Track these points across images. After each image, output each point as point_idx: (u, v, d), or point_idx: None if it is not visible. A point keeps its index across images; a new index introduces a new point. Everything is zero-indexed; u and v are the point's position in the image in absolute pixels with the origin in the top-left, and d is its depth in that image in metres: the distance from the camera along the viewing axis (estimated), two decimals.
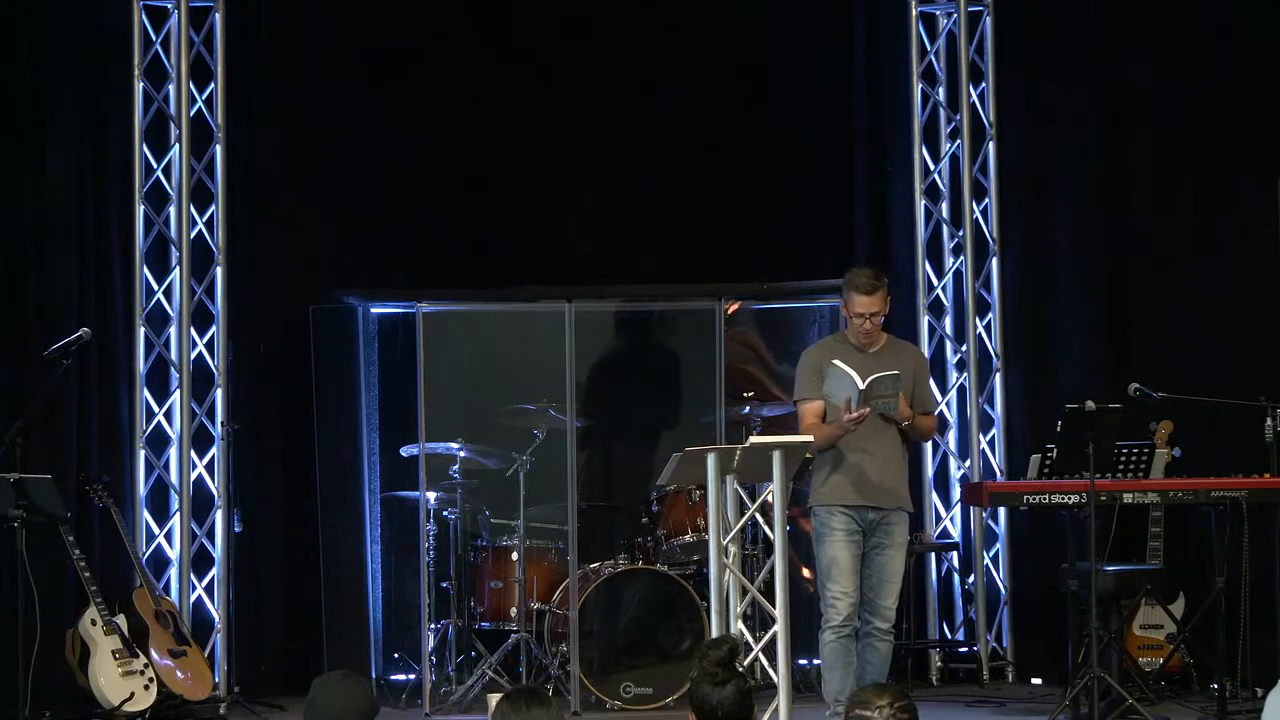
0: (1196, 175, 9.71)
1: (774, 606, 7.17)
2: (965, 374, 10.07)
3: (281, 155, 9.99)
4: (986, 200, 10.14)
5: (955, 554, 10.07)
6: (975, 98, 10.12)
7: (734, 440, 8.86)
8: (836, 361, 7.61)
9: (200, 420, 9.61)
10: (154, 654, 8.64)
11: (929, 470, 10.05)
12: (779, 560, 7.12)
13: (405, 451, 9.44)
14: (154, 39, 9.61)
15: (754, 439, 7.63)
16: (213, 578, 9.55)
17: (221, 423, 9.51)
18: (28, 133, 9.39)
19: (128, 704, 8.45)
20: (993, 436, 10.06)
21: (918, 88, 10.13)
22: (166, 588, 9.37)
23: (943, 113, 10.23)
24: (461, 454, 9.36)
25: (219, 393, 9.62)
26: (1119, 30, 9.94)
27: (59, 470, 8.77)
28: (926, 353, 9.77)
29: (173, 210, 9.64)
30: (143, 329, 9.50)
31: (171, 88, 9.66)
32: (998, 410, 10.04)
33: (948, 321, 10.18)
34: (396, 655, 9.76)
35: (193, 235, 9.63)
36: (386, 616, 9.85)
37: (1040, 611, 9.80)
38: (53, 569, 8.68)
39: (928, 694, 9.53)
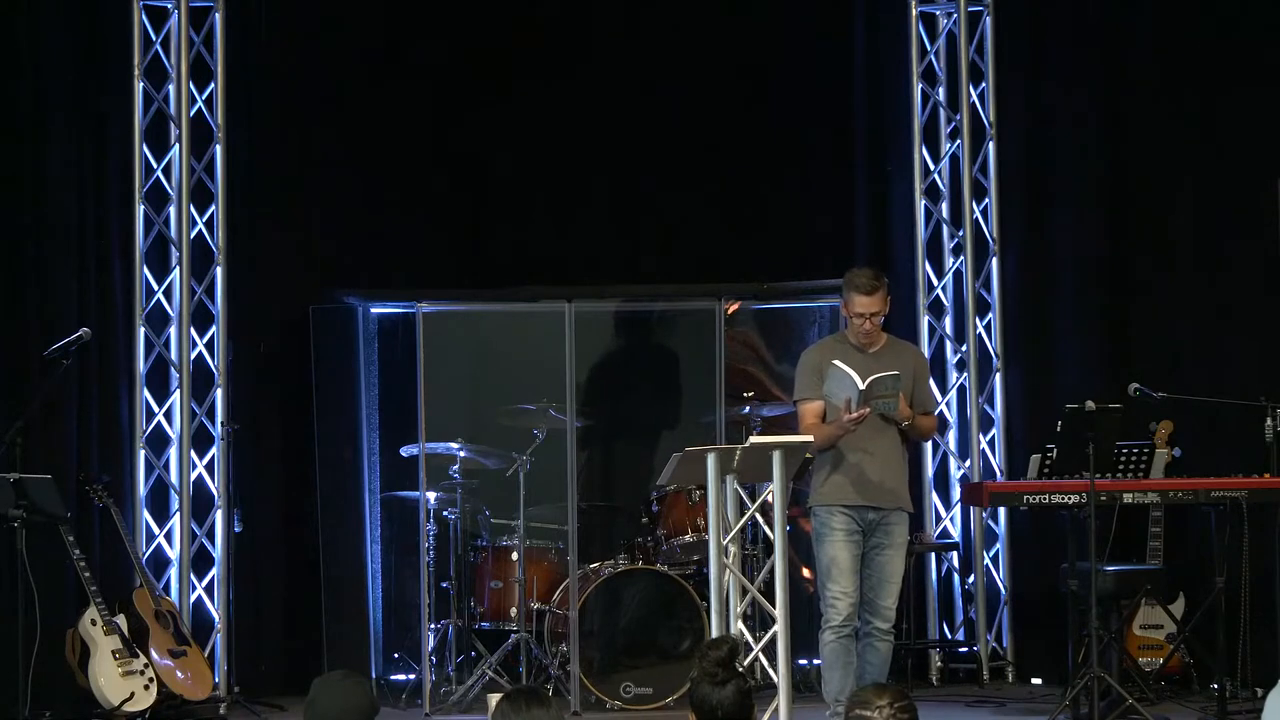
0: (1196, 175, 9.71)
1: (774, 606, 7.17)
2: (965, 374, 10.07)
3: (281, 155, 9.98)
4: (986, 200, 10.14)
5: (955, 554, 10.07)
6: (975, 98, 10.12)
7: (734, 440, 8.86)
8: (836, 362, 7.61)
9: (200, 420, 9.61)
10: (154, 654, 8.64)
11: (929, 470, 10.05)
12: (779, 560, 7.12)
13: (405, 451, 9.44)
14: (154, 39, 9.61)
15: (754, 439, 7.63)
16: (213, 578, 9.55)
17: (221, 423, 9.51)
18: (28, 133, 9.39)
19: (128, 704, 8.45)
20: (993, 436, 10.06)
21: (918, 88, 10.13)
22: (166, 588, 9.37)
23: (943, 113, 10.23)
24: (461, 454, 9.36)
25: (219, 393, 9.62)
26: (1119, 30, 9.94)
27: (59, 470, 8.77)
28: (926, 353, 9.77)
29: (173, 210, 9.64)
30: (143, 329, 9.50)
31: (171, 88, 9.66)
32: (998, 410, 10.04)
33: (948, 321, 10.18)
34: (396, 655, 9.76)
35: (193, 235, 9.63)
36: (386, 616, 9.84)
37: (1040, 611, 9.80)
38: (53, 569, 8.68)
39: (928, 694, 9.53)
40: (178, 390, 9.55)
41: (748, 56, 10.32)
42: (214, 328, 9.68)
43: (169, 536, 9.51)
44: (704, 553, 8.90)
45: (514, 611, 9.32)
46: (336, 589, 9.72)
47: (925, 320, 10.13)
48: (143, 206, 9.52)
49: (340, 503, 9.78)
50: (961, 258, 10.10)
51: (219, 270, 9.69)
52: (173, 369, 9.56)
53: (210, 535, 9.56)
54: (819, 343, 8.33)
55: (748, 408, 9.43)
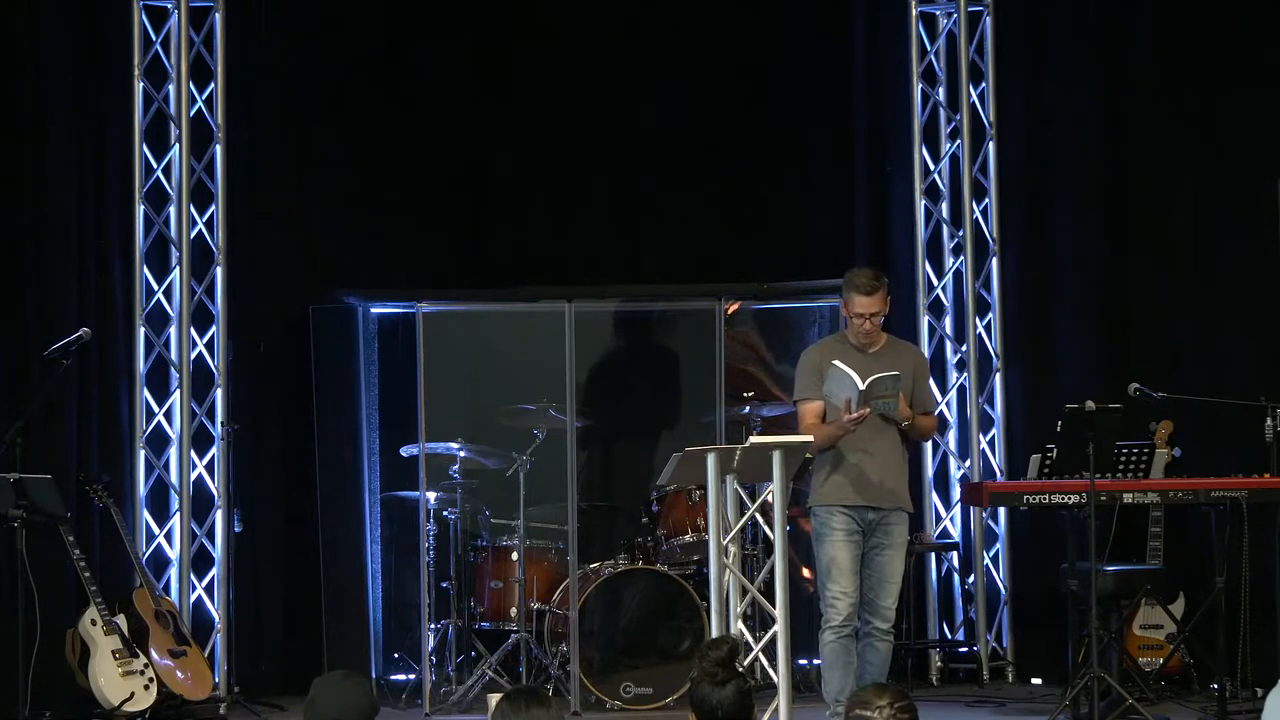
0: (1196, 175, 9.71)
1: (774, 606, 7.17)
2: (965, 374, 10.07)
3: (281, 155, 9.99)
4: (986, 200, 10.14)
5: (955, 554, 10.07)
6: (975, 98, 10.12)
7: (734, 440, 8.86)
8: (836, 362, 7.61)
9: (200, 420, 9.61)
10: (154, 654, 8.64)
11: (929, 470, 10.05)
12: (779, 560, 7.12)
13: (405, 451, 9.44)
14: (154, 39, 9.61)
15: (754, 439, 7.63)
16: (213, 578, 9.55)
17: (221, 423, 9.51)
18: (28, 133, 9.39)
19: (128, 704, 8.45)
20: (993, 436, 10.06)
21: (918, 88, 10.13)
22: (166, 588, 9.37)
23: (943, 113, 10.23)
24: (461, 454, 9.36)
25: (219, 393, 9.62)
26: (1119, 30, 9.94)
27: (59, 470, 8.77)
28: (926, 353, 9.77)
29: (173, 210, 9.64)
30: (143, 329, 9.51)
31: (171, 88, 9.66)
32: (998, 410, 10.04)
33: (948, 321, 10.18)
34: (396, 655, 9.76)
35: (193, 235, 9.64)
36: (386, 616, 9.85)
37: (1040, 611, 9.80)
38: (53, 569, 8.68)
39: (928, 694, 9.53)
40: (178, 390, 9.55)
41: (748, 56, 10.32)
42: (214, 328, 9.68)
43: (169, 536, 9.51)
44: (704, 553, 8.90)
45: (514, 611, 9.31)
46: (336, 589, 9.72)
47: (925, 320, 10.13)
48: (143, 206, 9.52)
49: (340, 503, 9.78)
50: (961, 258, 10.10)
51: (219, 270, 9.69)
52: (173, 369, 9.56)
53: (210, 535, 9.56)
54: (819, 343, 8.33)
55: (748, 408, 9.43)
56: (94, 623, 8.53)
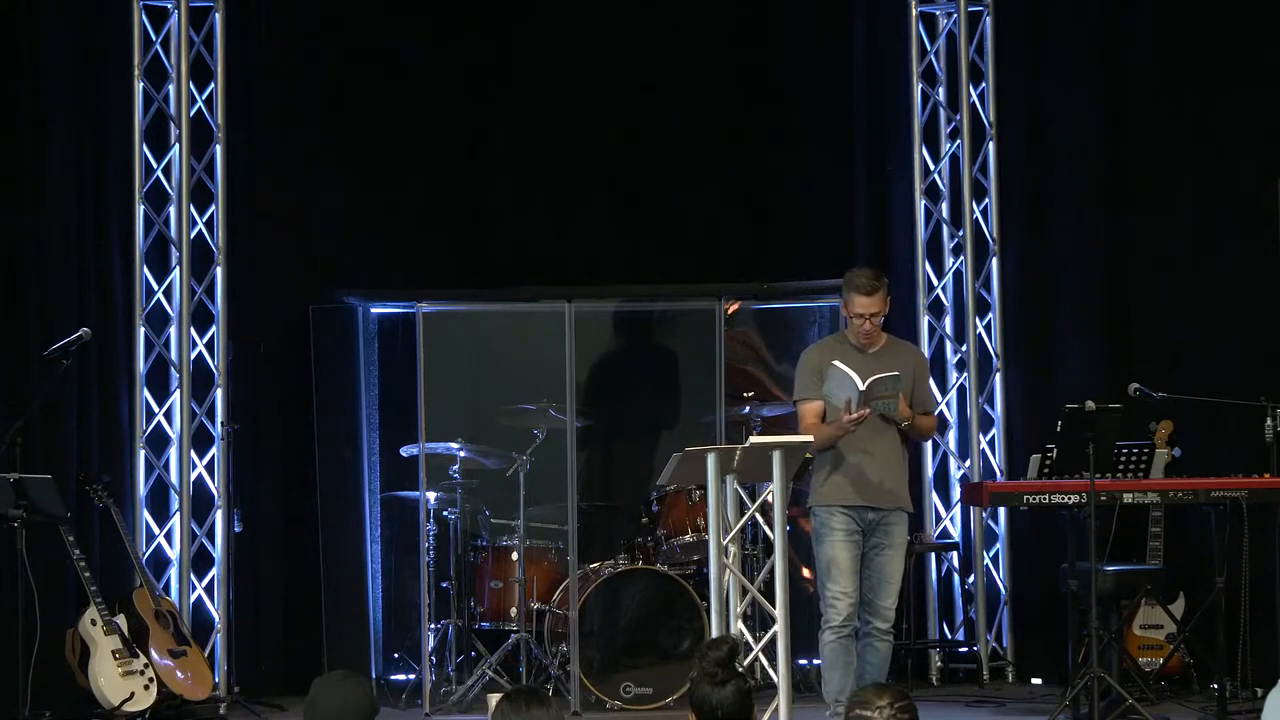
0: (1196, 175, 9.71)
1: (774, 606, 7.17)
2: (965, 374, 10.07)
3: (281, 155, 9.98)
4: (986, 200, 10.14)
5: (955, 554, 10.07)
6: (975, 98, 10.12)
7: (734, 440, 8.86)
8: (836, 362, 7.60)
9: (200, 420, 9.61)
10: (154, 654, 8.64)
11: (929, 470, 10.05)
12: (779, 560, 7.13)
13: (405, 451, 9.44)
14: (154, 39, 9.61)
15: (754, 439, 7.63)
16: (213, 578, 9.55)
17: (221, 423, 9.51)
18: (28, 133, 9.39)
19: (128, 704, 8.45)
20: (993, 436, 10.06)
21: (918, 88, 10.13)
22: (166, 588, 9.37)
23: (943, 113, 10.23)
24: (461, 454, 9.36)
25: (219, 393, 9.62)
26: (1119, 30, 9.94)
27: (59, 470, 8.77)
28: (926, 353, 9.77)
29: (173, 210, 9.64)
30: (143, 329, 9.51)
31: (171, 88, 9.66)
32: (998, 410, 10.04)
33: (948, 321, 10.18)
34: (396, 655, 9.76)
35: (193, 235, 9.64)
36: (386, 616, 9.85)
37: (1040, 611, 9.80)
38: (53, 569, 8.68)
39: (928, 694, 9.53)
40: (178, 390, 9.55)
41: (748, 56, 10.32)
42: (214, 328, 9.68)
43: (169, 536, 9.51)
44: (704, 553, 8.90)
45: (514, 611, 9.31)
46: (336, 589, 9.72)
47: (925, 320, 10.13)
48: (143, 206, 9.52)
49: (340, 503, 9.78)
50: (961, 258, 10.10)
51: (219, 270, 9.69)
52: (173, 369, 9.56)
53: (210, 535, 9.56)
54: (819, 343, 8.33)
55: (748, 408, 9.43)
56: (94, 623, 8.53)
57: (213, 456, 9.60)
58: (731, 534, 7.26)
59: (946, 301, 10.19)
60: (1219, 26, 9.64)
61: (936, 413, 8.78)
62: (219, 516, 9.54)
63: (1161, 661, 9.17)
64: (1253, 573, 8.89)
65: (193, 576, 9.51)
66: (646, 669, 9.08)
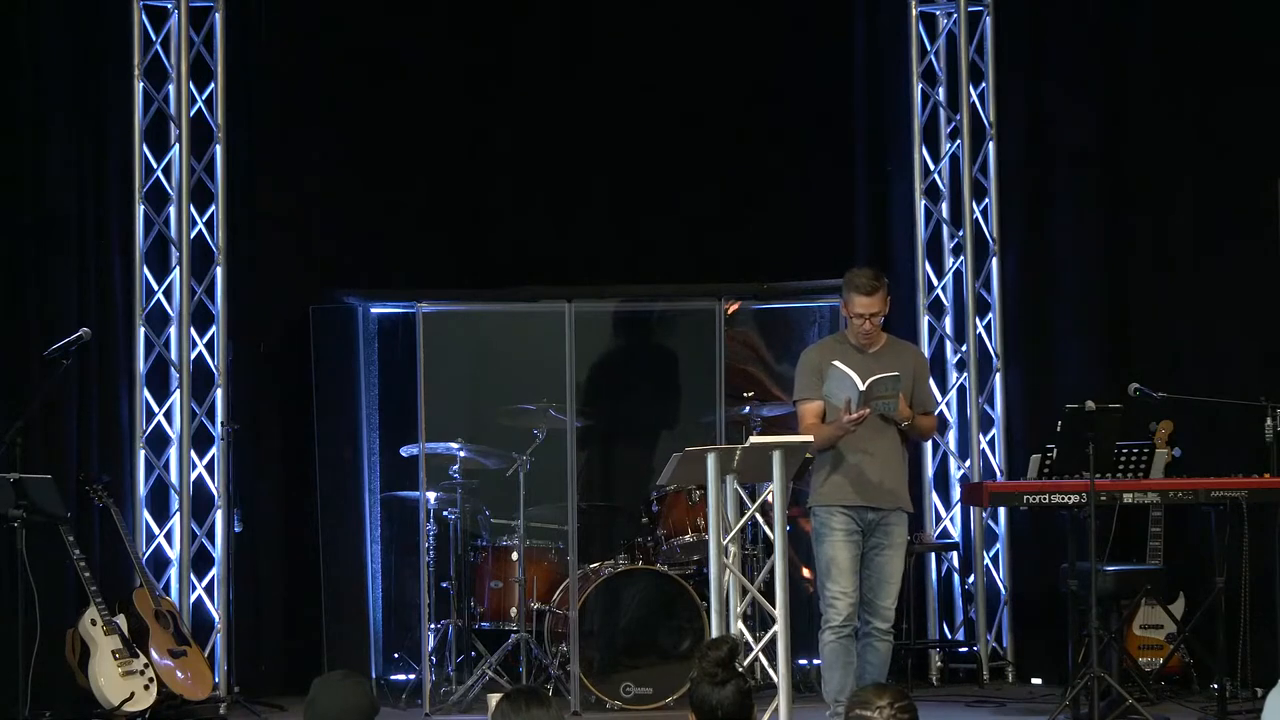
0: (1196, 175, 9.71)
1: (774, 606, 7.17)
2: (965, 374, 10.07)
3: (281, 155, 9.98)
4: (986, 200, 10.14)
5: (955, 554, 10.07)
6: (975, 98, 10.12)
7: (734, 440, 8.86)
8: (837, 363, 7.60)
9: (200, 420, 9.61)
10: (154, 654, 8.64)
11: (929, 470, 10.05)
12: (779, 560, 7.12)
13: (405, 451, 9.44)
14: (154, 39, 9.61)
15: (754, 439, 7.63)
16: (213, 578, 9.55)
17: (221, 423, 9.51)
18: (28, 133, 9.39)
19: (128, 704, 8.45)
20: (993, 436, 10.06)
21: (918, 88, 10.13)
22: (166, 588, 9.37)
23: (943, 113, 10.23)
24: (461, 454, 9.36)
25: (219, 393, 9.62)
26: (1119, 30, 9.94)
27: (59, 470, 8.78)
28: (926, 353, 9.77)
29: (173, 210, 9.64)
30: (143, 329, 9.51)
31: (171, 88, 9.66)
32: (998, 410, 10.04)
33: (948, 321, 10.18)
34: (396, 655, 9.76)
35: (193, 235, 9.64)
36: (386, 616, 9.85)
37: (1040, 611, 9.80)
38: (53, 569, 8.68)
39: (928, 694, 9.53)
40: (178, 390, 9.55)
41: (748, 56, 10.32)
42: (214, 328, 9.68)
43: (169, 536, 9.51)
44: (704, 553, 8.90)
45: (514, 611, 9.31)
46: (336, 589, 9.72)
47: (925, 320, 10.13)
48: (143, 206, 9.52)
49: (340, 503, 9.78)
50: (961, 258, 10.10)
51: (219, 270, 9.69)
52: (173, 369, 9.56)
53: (210, 535, 9.56)
54: (819, 343, 8.33)
55: (748, 408, 9.43)
56: (94, 623, 8.53)
57: (213, 456, 9.60)
58: (731, 534, 7.26)
59: (946, 301, 10.19)
60: (1219, 26, 9.64)
61: (936, 413, 8.78)
62: (219, 516, 9.54)
63: (1161, 661, 9.17)
64: (1253, 573, 8.89)
65: (193, 576, 9.51)
66: (646, 669, 9.08)
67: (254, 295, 9.84)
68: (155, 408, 9.53)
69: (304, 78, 10.00)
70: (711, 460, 7.15)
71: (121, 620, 8.63)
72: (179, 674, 8.69)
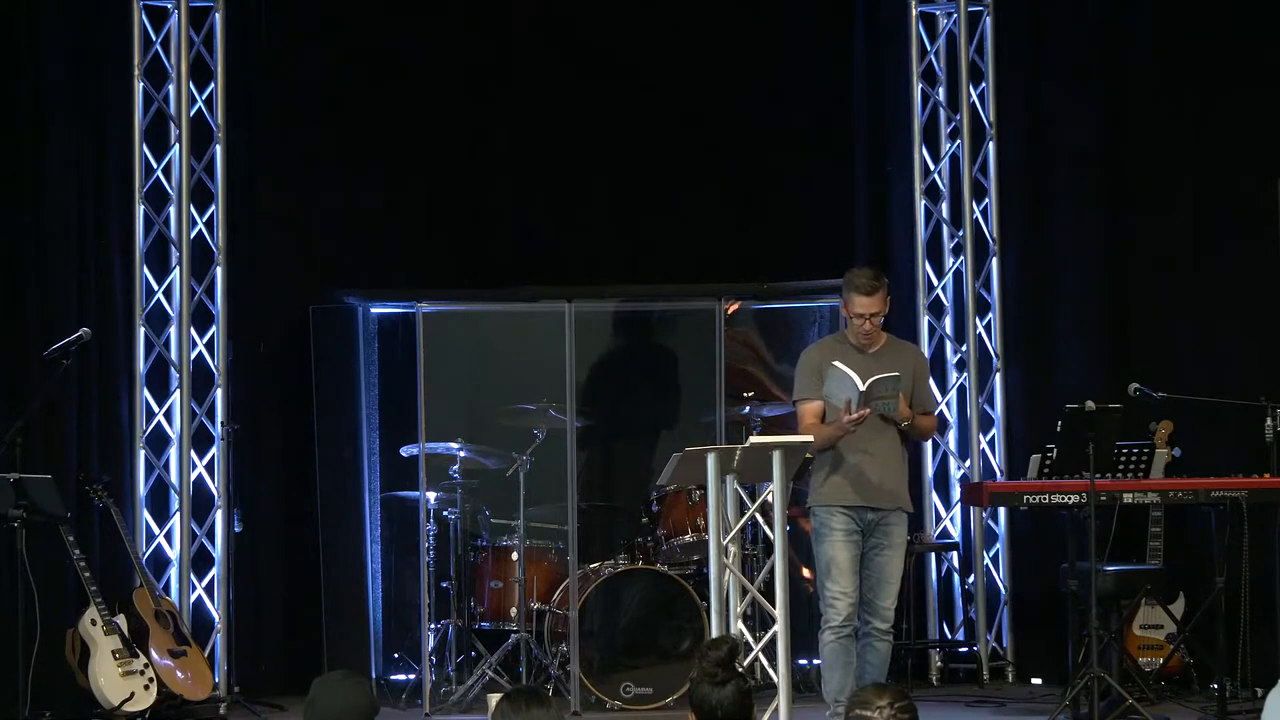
0: (1196, 175, 9.71)
1: (774, 606, 7.17)
2: (965, 374, 10.07)
3: (281, 155, 9.98)
4: (986, 200, 10.14)
5: (955, 554, 10.07)
6: (975, 98, 10.12)
7: (734, 440, 8.86)
8: (837, 363, 7.60)
9: (200, 420, 9.61)
10: (154, 654, 8.64)
11: (929, 470, 10.05)
12: (779, 560, 7.12)
13: (405, 451, 9.44)
14: (154, 39, 9.61)
15: (754, 439, 7.63)
16: (213, 578, 9.55)
17: (221, 423, 9.51)
18: (28, 133, 9.39)
19: (128, 704, 8.45)
20: (993, 436, 10.06)
21: (918, 88, 10.13)
22: (166, 588, 9.37)
23: (943, 113, 10.23)
24: (461, 454, 9.36)
25: (219, 393, 9.62)
26: (1119, 30, 9.94)
27: (59, 470, 8.78)
28: (926, 353, 9.77)
29: (173, 210, 9.64)
30: (143, 329, 9.51)
31: (171, 88, 9.66)
32: (998, 410, 10.04)
33: (948, 321, 10.18)
34: (396, 655, 9.76)
35: (193, 235, 9.64)
36: (386, 616, 9.84)
37: (1040, 611, 9.80)
38: (53, 569, 8.68)
39: (928, 694, 9.53)
40: (178, 390, 9.55)
41: (748, 57, 10.32)
42: (214, 328, 9.68)
43: (169, 536, 9.51)
44: (704, 553, 8.90)
45: (514, 611, 9.31)
46: (336, 589, 9.72)
47: (925, 320, 10.13)
48: (143, 206, 9.52)
49: (340, 503, 9.78)
50: (961, 258, 10.10)
51: (219, 270, 9.69)
52: (173, 369, 9.56)
53: (210, 535, 9.56)
54: (819, 343, 8.32)
55: (748, 408, 9.43)
56: (94, 623, 8.53)
57: (213, 456, 9.60)
58: (731, 534, 7.26)
59: (946, 301, 10.19)
60: (1219, 26, 9.64)
61: (936, 413, 8.78)
62: (219, 516, 9.54)
63: (1161, 661, 9.17)
64: (1253, 573, 8.89)
65: (193, 576, 9.51)
66: (646, 669, 9.08)
67: (254, 295, 9.84)
68: (155, 408, 9.53)
69: (304, 78, 10.00)
70: (711, 460, 7.15)
71: (121, 620, 8.63)
72: (179, 674, 8.69)
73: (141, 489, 9.44)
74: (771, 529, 7.23)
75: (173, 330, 9.62)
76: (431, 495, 9.35)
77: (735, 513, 7.31)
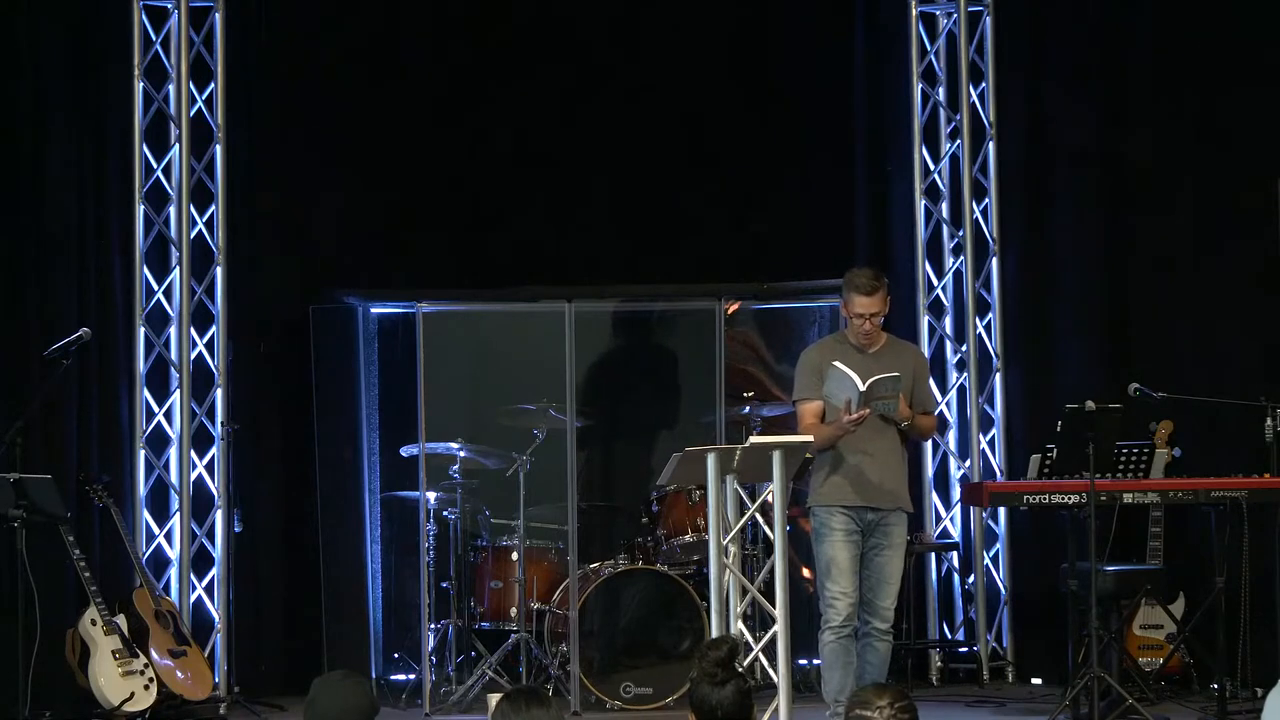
0: (1196, 175, 9.71)
1: (774, 606, 7.17)
2: (965, 374, 10.07)
3: (281, 155, 9.98)
4: (986, 200, 10.14)
5: (955, 554, 10.07)
6: (975, 98, 10.12)
7: (734, 440, 8.86)
8: (837, 363, 7.60)
9: (200, 420, 9.61)
10: (154, 654, 8.64)
11: (929, 470, 10.05)
12: (779, 560, 7.12)
13: (405, 451, 9.44)
14: (154, 39, 9.61)
15: (754, 439, 7.63)
16: (213, 578, 9.55)
17: (221, 423, 9.51)
18: (28, 133, 9.39)
19: (128, 704, 8.45)
20: (993, 436, 10.06)
21: (918, 88, 10.13)
22: (166, 588, 9.37)
23: (943, 113, 10.23)
24: (461, 454, 9.36)
25: (219, 393, 9.62)
26: (1119, 30, 9.94)
27: (59, 470, 8.78)
28: (926, 353, 9.77)
29: (173, 210, 9.64)
30: (143, 329, 9.51)
31: (171, 88, 9.66)
32: (998, 410, 10.04)
33: (948, 321, 10.18)
34: (396, 655, 9.76)
35: (193, 235, 9.64)
36: (386, 616, 9.84)
37: (1040, 611, 9.80)
38: (53, 569, 8.68)
39: (928, 694, 9.53)
40: (178, 390, 9.55)
41: (748, 57, 10.32)
42: (214, 328, 9.68)
43: (169, 536, 9.51)
44: (704, 553, 8.90)
45: (514, 611, 9.31)
46: (336, 589, 9.72)
47: (925, 320, 10.13)
48: (143, 206, 9.52)
49: (340, 503, 9.78)
50: (961, 258, 10.10)
51: (219, 270, 9.69)
52: (173, 369, 9.56)
53: (210, 535, 9.56)
54: (819, 343, 8.32)
55: (748, 408, 9.43)
56: (94, 623, 8.53)
57: (213, 456, 9.60)
58: (731, 534, 7.26)
59: (946, 301, 10.19)
60: (1219, 26, 9.64)
61: (936, 413, 8.78)
62: (219, 516, 9.54)
63: (1161, 661, 9.17)
64: (1253, 573, 8.89)
65: (193, 576, 9.51)
66: (646, 669, 9.08)
67: (254, 295, 9.84)
68: (155, 408, 9.53)
69: (304, 78, 10.00)
70: (711, 460, 7.15)
71: (121, 620, 8.63)
72: (179, 674, 8.69)
73: (141, 489, 9.44)
74: (771, 529, 7.23)
75: (173, 330, 9.62)
76: (431, 495, 9.35)
77: (735, 513, 7.31)
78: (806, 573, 9.32)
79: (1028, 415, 9.97)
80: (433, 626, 9.32)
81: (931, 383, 8.95)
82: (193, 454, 9.56)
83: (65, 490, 8.70)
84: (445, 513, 9.46)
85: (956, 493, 10.03)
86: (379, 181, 10.08)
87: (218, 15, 9.68)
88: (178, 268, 9.59)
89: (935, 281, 10.18)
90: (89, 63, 9.54)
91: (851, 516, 7.81)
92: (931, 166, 10.20)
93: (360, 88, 10.07)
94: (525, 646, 9.24)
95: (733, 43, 10.30)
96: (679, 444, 7.81)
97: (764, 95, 10.35)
